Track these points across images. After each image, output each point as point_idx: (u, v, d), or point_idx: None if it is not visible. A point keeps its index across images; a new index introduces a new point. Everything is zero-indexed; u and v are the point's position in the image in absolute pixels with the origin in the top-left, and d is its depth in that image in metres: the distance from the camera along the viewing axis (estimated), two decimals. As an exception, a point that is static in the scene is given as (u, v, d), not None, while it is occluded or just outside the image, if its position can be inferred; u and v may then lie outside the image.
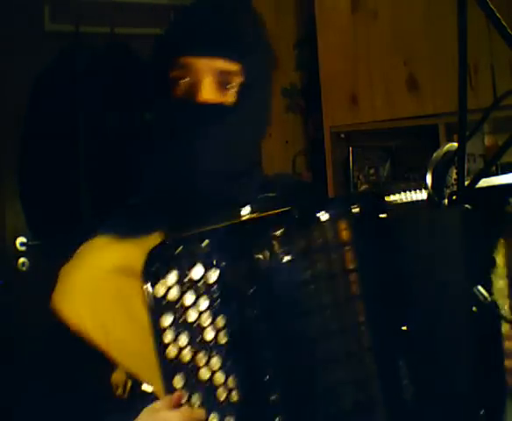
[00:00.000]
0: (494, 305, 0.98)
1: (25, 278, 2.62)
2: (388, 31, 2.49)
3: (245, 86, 1.04)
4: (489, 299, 1.01)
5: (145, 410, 0.87)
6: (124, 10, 2.83)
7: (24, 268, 2.65)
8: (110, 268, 0.99)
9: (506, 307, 1.02)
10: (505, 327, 1.01)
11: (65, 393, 0.99)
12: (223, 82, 1.03)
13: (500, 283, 1.02)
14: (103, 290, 0.99)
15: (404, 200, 0.95)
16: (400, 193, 0.95)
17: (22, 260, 2.65)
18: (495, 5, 0.75)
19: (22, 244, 2.66)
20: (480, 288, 1.01)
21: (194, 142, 1.00)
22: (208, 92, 1.01)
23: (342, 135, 2.63)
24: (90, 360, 0.98)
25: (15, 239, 2.66)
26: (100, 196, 2.55)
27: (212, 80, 1.02)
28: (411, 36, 2.45)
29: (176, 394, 0.85)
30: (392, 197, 0.93)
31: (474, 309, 0.96)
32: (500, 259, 1.03)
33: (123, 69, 2.76)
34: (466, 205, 0.95)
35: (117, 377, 0.98)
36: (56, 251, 1.07)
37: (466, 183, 0.85)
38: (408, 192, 0.96)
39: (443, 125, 2.40)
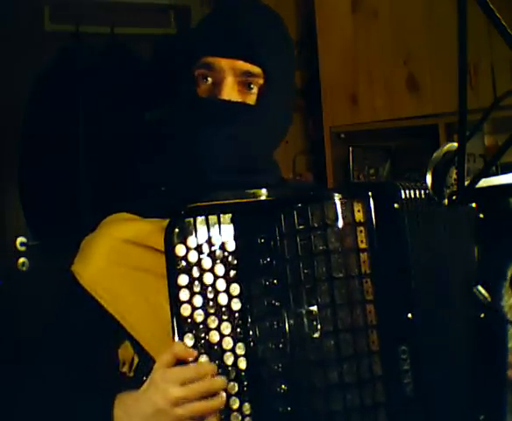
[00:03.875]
0: (503, 315, 0.98)
1: (25, 278, 2.62)
2: (388, 31, 2.49)
3: (265, 88, 1.07)
4: (489, 300, 1.00)
5: (155, 367, 0.89)
6: (124, 10, 2.83)
7: (24, 268, 2.64)
8: (128, 240, 1.03)
9: None
10: None
11: (71, 366, 1.01)
12: (244, 82, 1.07)
13: (511, 301, 1.01)
14: (120, 259, 1.02)
15: (418, 197, 0.98)
16: (412, 190, 0.97)
17: (22, 260, 2.65)
18: (495, 5, 0.75)
19: (22, 244, 2.66)
20: (479, 288, 1.00)
21: (214, 138, 1.04)
22: (229, 91, 1.05)
23: (342, 135, 2.63)
24: (98, 332, 1.00)
25: (15, 239, 2.66)
26: (100, 196, 2.55)
27: (234, 80, 1.06)
28: (411, 36, 2.45)
29: (189, 350, 0.88)
30: (412, 192, 0.96)
31: (482, 315, 0.97)
32: None
33: (123, 69, 2.76)
34: (481, 215, 0.97)
35: (125, 354, 1.01)
36: (56, 251, 1.07)
37: (466, 183, 0.85)
38: (420, 190, 0.98)
39: (443, 125, 2.40)
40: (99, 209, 1.08)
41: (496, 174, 0.92)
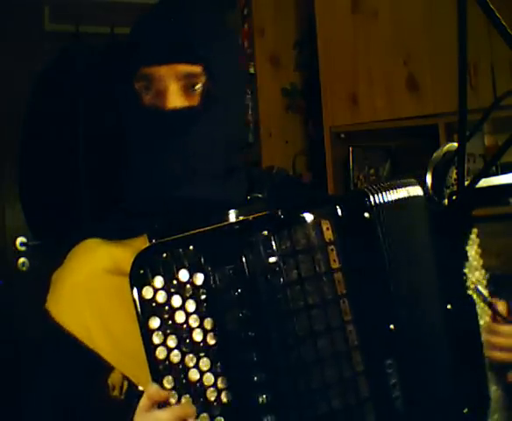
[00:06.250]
0: (470, 300, 0.98)
1: (25, 278, 2.62)
2: (388, 31, 2.49)
3: (210, 85, 1.03)
4: (489, 299, 1.01)
5: (137, 411, 0.88)
6: (124, 10, 2.82)
7: (24, 268, 2.65)
8: (103, 268, 1.00)
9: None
10: (483, 319, 1.01)
11: (60, 394, 0.99)
12: (188, 85, 1.02)
13: (475, 275, 1.02)
14: (100, 290, 0.99)
15: (393, 198, 0.95)
16: (390, 190, 0.95)
17: (22, 260, 2.65)
18: (495, 5, 0.75)
19: (22, 244, 2.66)
20: (479, 287, 1.01)
21: (166, 150, 1.00)
22: (174, 99, 1.01)
23: (342, 135, 2.63)
24: (85, 361, 0.98)
25: (15, 239, 2.66)
26: (100, 196, 2.55)
27: (177, 85, 1.01)
28: (411, 36, 2.45)
29: (162, 392, 0.85)
30: (382, 195, 0.93)
31: (449, 306, 0.97)
32: (474, 250, 1.03)
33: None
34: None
35: (114, 378, 0.98)
36: (56, 251, 1.06)
37: (466, 183, 0.85)
38: (397, 189, 0.96)
39: (443, 125, 2.39)
40: (99, 209, 1.07)
41: (496, 174, 0.92)
